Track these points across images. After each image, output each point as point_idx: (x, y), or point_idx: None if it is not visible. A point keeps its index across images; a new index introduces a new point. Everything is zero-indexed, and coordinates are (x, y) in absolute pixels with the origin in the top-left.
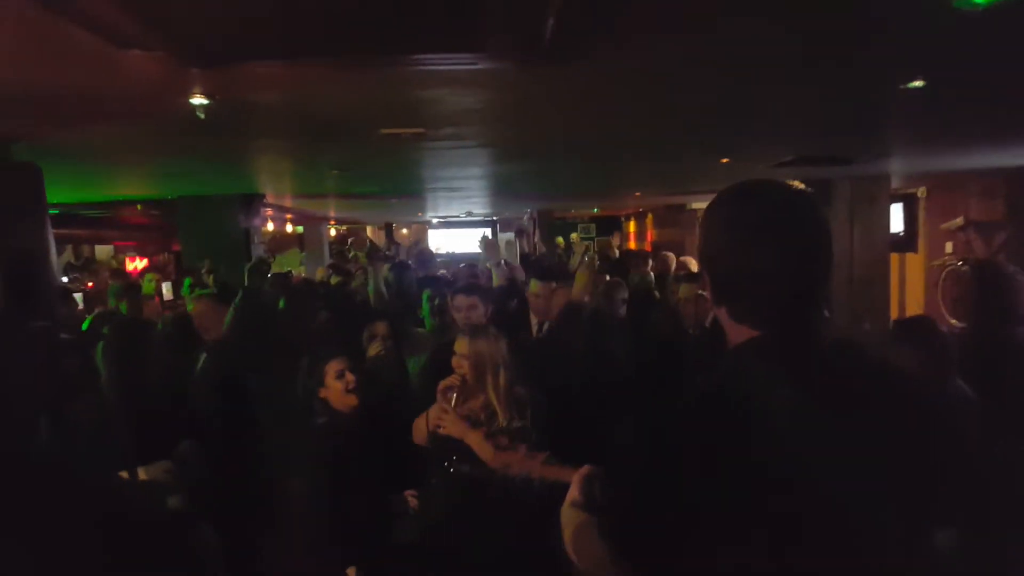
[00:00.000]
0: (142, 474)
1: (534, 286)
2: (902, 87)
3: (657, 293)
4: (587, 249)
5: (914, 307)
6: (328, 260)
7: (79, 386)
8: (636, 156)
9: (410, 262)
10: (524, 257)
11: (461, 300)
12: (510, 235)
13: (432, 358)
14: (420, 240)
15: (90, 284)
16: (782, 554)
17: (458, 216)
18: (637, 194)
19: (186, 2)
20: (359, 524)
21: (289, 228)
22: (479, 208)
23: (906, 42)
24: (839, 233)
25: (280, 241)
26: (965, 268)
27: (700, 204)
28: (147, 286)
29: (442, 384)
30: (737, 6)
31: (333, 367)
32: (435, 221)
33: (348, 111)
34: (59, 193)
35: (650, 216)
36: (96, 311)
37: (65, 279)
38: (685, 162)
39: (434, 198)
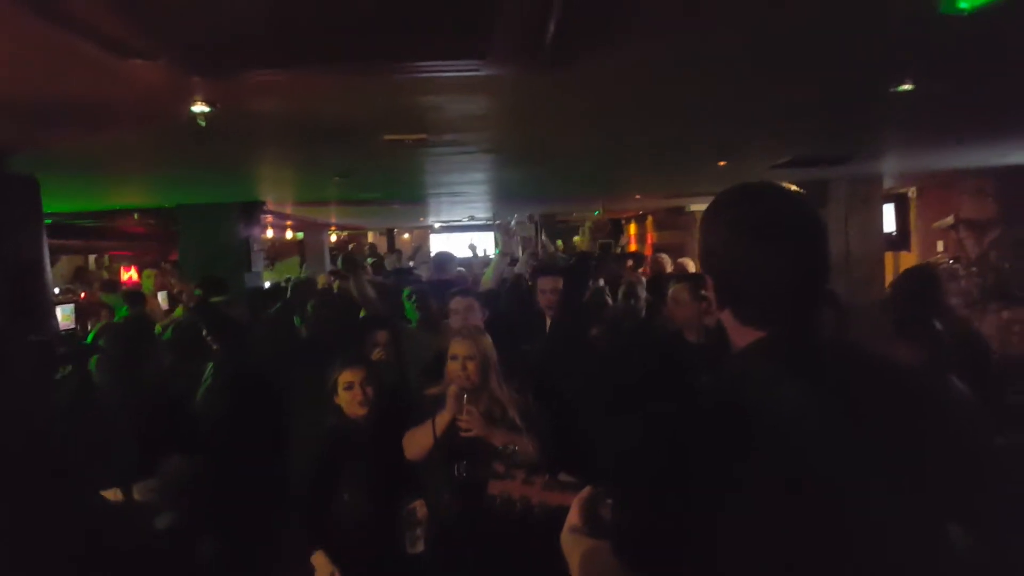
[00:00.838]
0: (136, 492)
1: (542, 283)
2: (892, 90)
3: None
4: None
5: None
6: (329, 267)
7: (75, 400)
8: (636, 159)
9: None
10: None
11: (458, 302)
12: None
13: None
14: (422, 244)
15: (83, 295)
16: (803, 558)
17: (460, 220)
18: (637, 197)
19: (188, 12)
20: (365, 531)
21: (289, 235)
22: (481, 212)
23: (894, 47)
24: (835, 233)
25: (280, 248)
26: (956, 266)
27: (699, 206)
28: (146, 283)
29: (452, 389)
30: (733, 13)
31: (344, 378)
32: (437, 226)
33: (350, 118)
34: (55, 203)
35: (650, 219)
36: (102, 323)
37: (58, 291)
38: (684, 165)
39: (436, 203)
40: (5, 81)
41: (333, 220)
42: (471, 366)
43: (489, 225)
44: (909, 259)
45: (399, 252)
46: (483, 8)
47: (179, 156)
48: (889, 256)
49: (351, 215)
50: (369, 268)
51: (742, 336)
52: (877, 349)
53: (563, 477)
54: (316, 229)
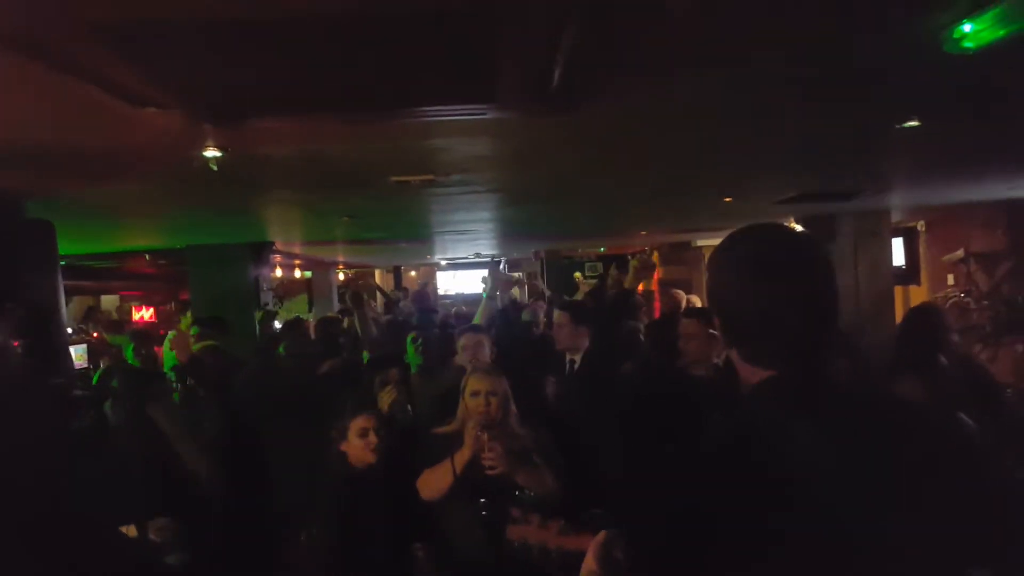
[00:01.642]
0: (151, 531)
1: (559, 317)
2: (898, 127)
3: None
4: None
5: None
6: (337, 305)
7: (91, 441)
8: (641, 197)
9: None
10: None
11: (469, 338)
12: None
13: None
14: (429, 282)
15: (95, 335)
16: None
17: (466, 257)
18: (643, 232)
19: (200, 62)
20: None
21: (297, 273)
22: (487, 249)
23: (900, 85)
24: (844, 267)
25: (289, 287)
26: (968, 299)
27: (705, 241)
28: (184, 321)
29: (472, 426)
30: (736, 54)
31: (358, 424)
32: (443, 263)
33: (359, 161)
34: (68, 246)
35: (656, 254)
36: (103, 364)
37: (71, 331)
38: (690, 201)
39: (442, 241)
40: (23, 130)
41: (340, 259)
42: (494, 402)
43: (495, 263)
44: (919, 293)
45: (406, 290)
46: (489, 55)
47: (190, 199)
48: (899, 290)
49: (358, 253)
50: (374, 305)
51: (751, 375)
52: (885, 387)
53: (586, 516)
54: (324, 268)
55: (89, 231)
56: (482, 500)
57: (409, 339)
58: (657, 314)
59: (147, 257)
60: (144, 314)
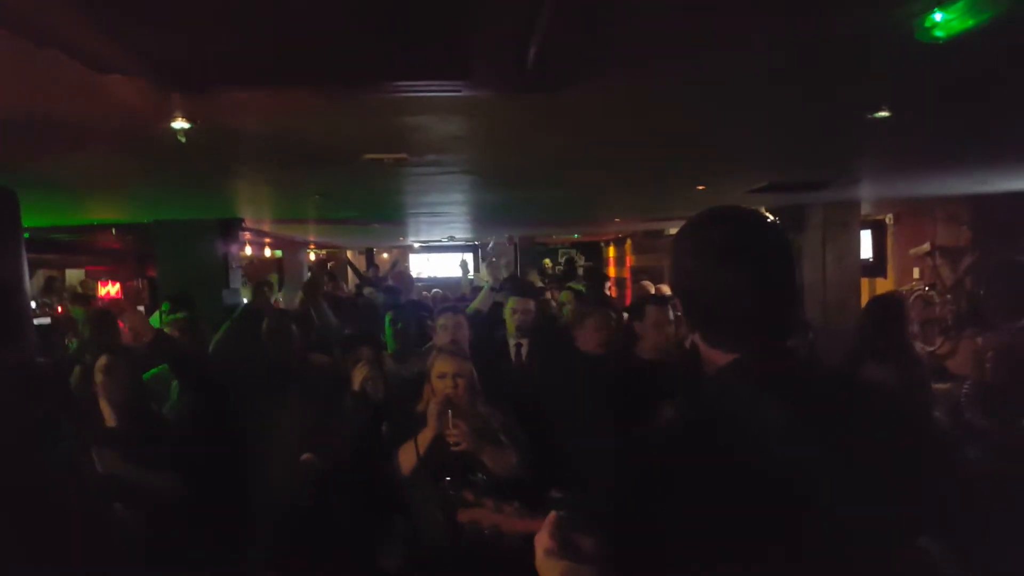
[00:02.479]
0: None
1: (512, 302)
2: (869, 117)
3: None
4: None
5: None
6: None
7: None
8: (615, 183)
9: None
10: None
11: (448, 319)
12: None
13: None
14: (399, 262)
15: (60, 309)
16: (781, 571)
17: (440, 240)
18: (617, 220)
19: (168, 28)
20: (344, 546)
21: (268, 253)
22: (461, 233)
23: (871, 75)
24: (813, 258)
25: (258, 266)
26: (932, 293)
27: (678, 229)
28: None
29: (435, 406)
30: (713, 41)
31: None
32: (417, 245)
33: (331, 137)
34: (32, 218)
35: (629, 242)
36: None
37: (33, 304)
38: (663, 189)
39: (416, 223)
40: None
41: (312, 238)
42: (460, 383)
43: (469, 246)
44: (885, 286)
45: (376, 268)
46: (465, 29)
47: (158, 172)
48: (865, 283)
49: (330, 234)
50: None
51: (714, 358)
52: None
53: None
54: (295, 247)
55: (53, 203)
56: (447, 479)
57: (388, 319)
58: (628, 301)
59: (113, 232)
60: (111, 289)
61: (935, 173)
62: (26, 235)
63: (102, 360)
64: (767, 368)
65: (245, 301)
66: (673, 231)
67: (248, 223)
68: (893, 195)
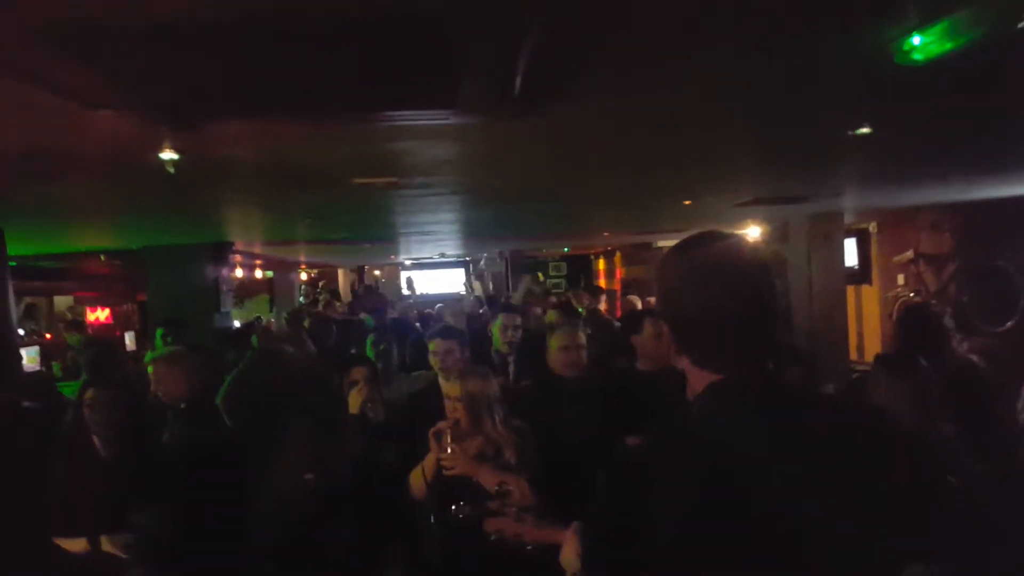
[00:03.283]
0: (105, 543)
1: (501, 319)
2: (850, 133)
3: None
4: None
5: (871, 337)
6: (298, 305)
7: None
8: (604, 199)
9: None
10: (490, 299)
11: (439, 344)
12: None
13: (411, 404)
14: (389, 280)
15: (48, 336)
16: None
17: (430, 257)
18: (606, 234)
19: (156, 64)
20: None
21: (259, 274)
22: (452, 249)
23: (852, 94)
24: (798, 268)
25: (250, 287)
26: (917, 299)
27: (666, 242)
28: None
29: (433, 429)
30: (695, 63)
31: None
32: (408, 263)
33: (321, 163)
34: (19, 246)
35: (618, 254)
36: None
37: (22, 332)
38: (650, 205)
39: (407, 242)
40: None
41: (303, 259)
42: (460, 407)
43: (459, 262)
44: (870, 292)
45: (369, 287)
46: (452, 61)
47: (147, 201)
48: (851, 290)
49: (321, 254)
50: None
51: (700, 379)
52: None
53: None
54: (286, 268)
55: (41, 231)
56: (461, 503)
57: (369, 342)
58: (619, 314)
59: (102, 258)
60: (100, 315)
61: (916, 185)
62: (12, 263)
63: (89, 394)
64: (752, 389)
65: (237, 324)
66: (662, 243)
67: (239, 245)
68: (876, 205)
